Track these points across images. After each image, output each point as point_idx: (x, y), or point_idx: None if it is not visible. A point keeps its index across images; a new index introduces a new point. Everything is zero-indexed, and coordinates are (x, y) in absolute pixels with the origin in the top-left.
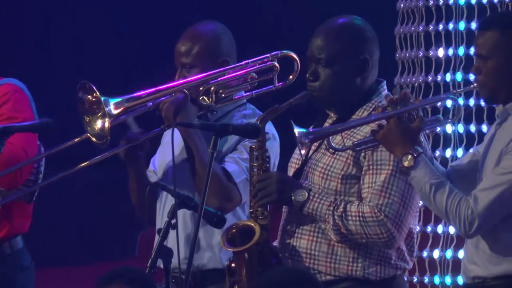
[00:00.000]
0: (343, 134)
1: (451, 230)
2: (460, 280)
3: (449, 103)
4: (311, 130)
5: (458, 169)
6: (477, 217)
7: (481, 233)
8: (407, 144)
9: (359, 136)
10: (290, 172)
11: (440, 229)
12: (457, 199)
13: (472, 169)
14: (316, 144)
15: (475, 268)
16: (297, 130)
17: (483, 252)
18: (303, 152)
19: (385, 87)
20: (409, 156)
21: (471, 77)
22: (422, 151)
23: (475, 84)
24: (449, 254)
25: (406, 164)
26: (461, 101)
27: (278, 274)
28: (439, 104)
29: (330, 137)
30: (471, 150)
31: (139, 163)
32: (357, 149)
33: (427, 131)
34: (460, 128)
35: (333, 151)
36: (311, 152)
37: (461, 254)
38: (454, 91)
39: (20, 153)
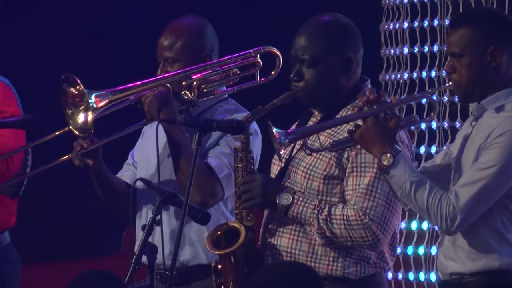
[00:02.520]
0: (325, 133)
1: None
2: None
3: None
4: (289, 130)
5: (431, 169)
6: (459, 213)
7: (462, 229)
8: (385, 143)
9: (341, 136)
10: (274, 169)
11: (425, 225)
12: (438, 196)
13: (445, 169)
14: (299, 142)
15: (452, 264)
16: (276, 131)
17: (461, 248)
18: (281, 152)
19: (369, 85)
20: (388, 155)
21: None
22: (400, 149)
23: (450, 83)
24: (434, 250)
25: (385, 162)
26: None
27: (277, 272)
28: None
29: (309, 137)
30: (444, 148)
31: (94, 170)
32: (334, 149)
33: (412, 128)
34: (445, 124)
35: (309, 152)
36: (294, 150)
37: None
38: (429, 90)
39: (12, 144)
